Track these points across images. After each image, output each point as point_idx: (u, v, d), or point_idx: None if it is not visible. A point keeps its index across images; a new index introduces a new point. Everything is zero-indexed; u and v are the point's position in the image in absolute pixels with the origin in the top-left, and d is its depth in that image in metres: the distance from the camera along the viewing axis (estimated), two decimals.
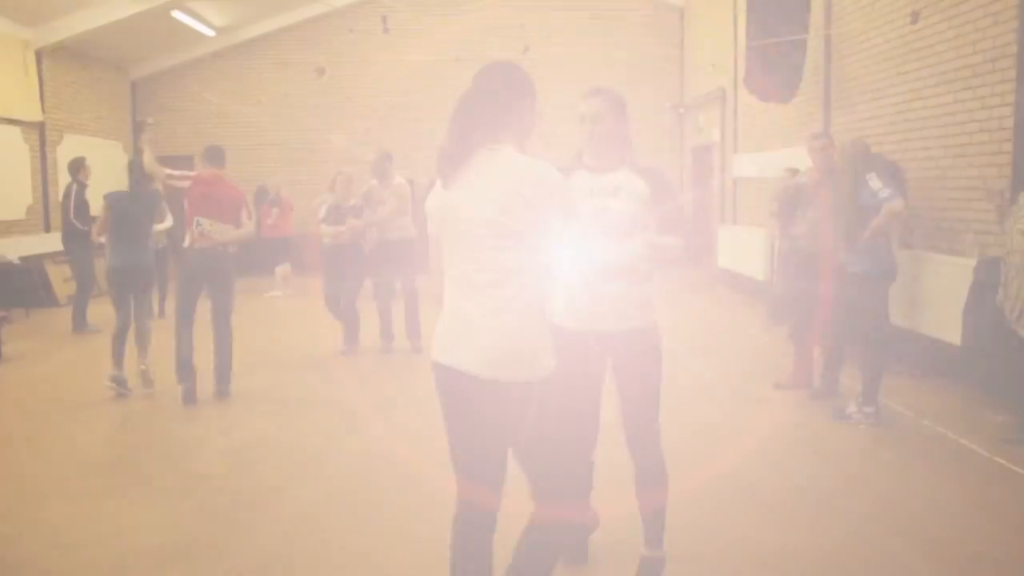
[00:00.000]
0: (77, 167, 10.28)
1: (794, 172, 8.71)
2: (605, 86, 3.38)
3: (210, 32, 15.82)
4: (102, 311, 11.19)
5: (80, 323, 10.05)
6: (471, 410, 2.61)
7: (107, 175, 14.64)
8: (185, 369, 6.57)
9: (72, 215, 10.09)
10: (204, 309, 6.71)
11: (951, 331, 6.74)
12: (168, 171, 6.72)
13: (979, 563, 3.76)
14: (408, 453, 5.39)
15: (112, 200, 6.87)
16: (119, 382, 6.74)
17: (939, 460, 5.17)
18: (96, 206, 10.68)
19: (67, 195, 10.32)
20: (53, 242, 11.68)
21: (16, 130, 12.52)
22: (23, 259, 11.70)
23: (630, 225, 3.25)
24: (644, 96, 16.94)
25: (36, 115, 12.82)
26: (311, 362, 8.27)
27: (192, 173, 6.80)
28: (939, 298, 7.16)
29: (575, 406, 3.28)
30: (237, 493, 4.77)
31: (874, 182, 5.82)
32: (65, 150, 12.90)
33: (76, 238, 10.09)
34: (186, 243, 6.60)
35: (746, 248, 12.63)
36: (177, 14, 13.97)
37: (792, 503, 4.51)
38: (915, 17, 7.71)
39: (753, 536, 4.07)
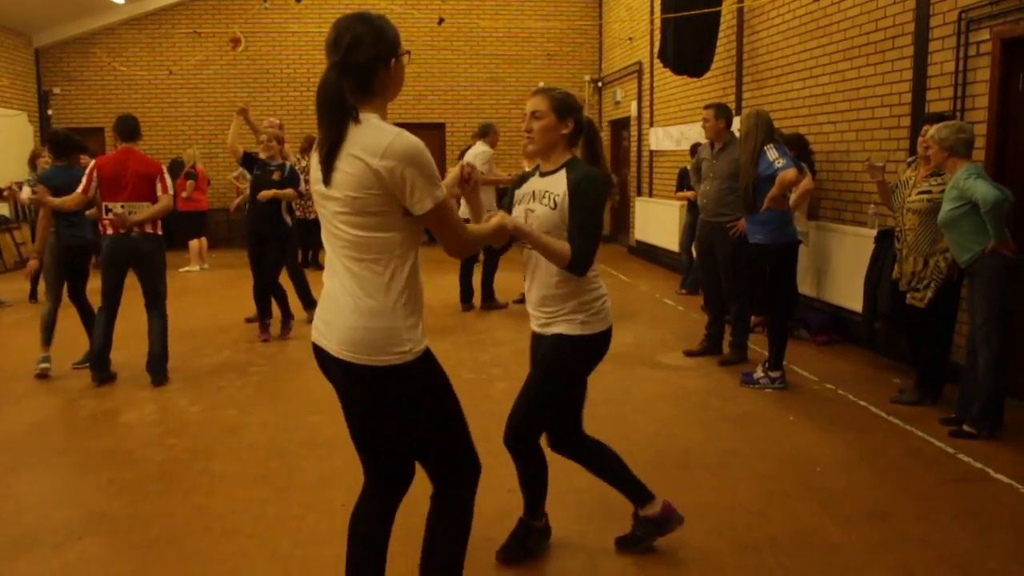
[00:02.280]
0: None
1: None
2: (554, 87, 3.31)
3: None
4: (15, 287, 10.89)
5: None
6: None
7: (11, 145, 14.18)
8: (96, 358, 6.37)
9: None
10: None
11: (854, 299, 7.00)
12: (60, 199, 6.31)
13: (871, 516, 3.96)
14: (321, 423, 5.40)
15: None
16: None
17: (839, 421, 5.40)
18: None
19: None
20: None
21: None
22: None
23: (550, 229, 3.16)
24: (563, 70, 17.08)
25: None
26: (225, 336, 8.17)
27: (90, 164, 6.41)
28: (843, 268, 7.44)
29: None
30: (147, 466, 4.73)
31: (771, 153, 6.00)
32: None
33: None
34: (101, 230, 6.29)
35: (661, 220, 12.86)
36: None
37: (699, 465, 4.67)
38: None
39: (660, 496, 4.19)
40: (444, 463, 2.67)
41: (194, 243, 13.13)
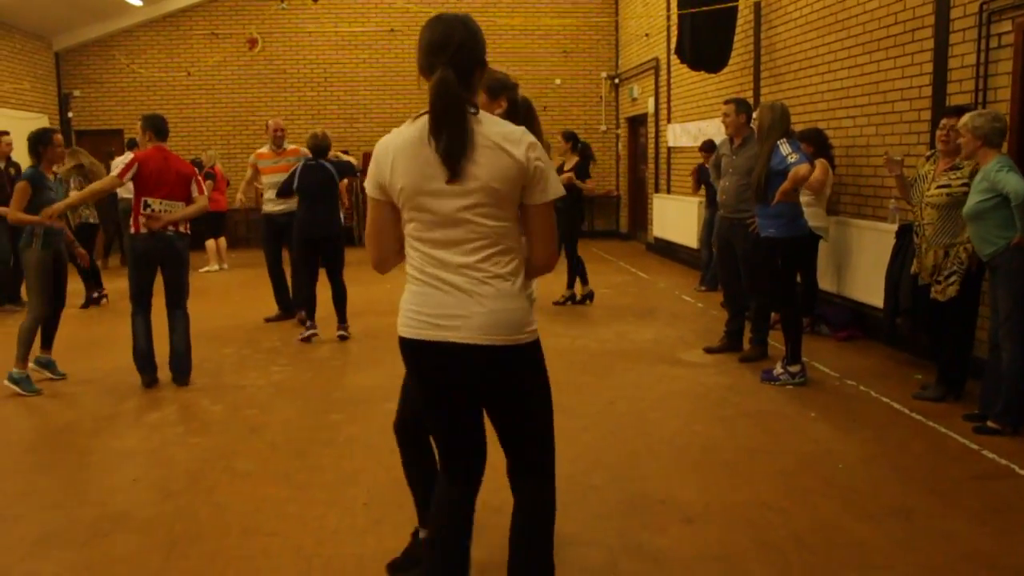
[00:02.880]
0: None
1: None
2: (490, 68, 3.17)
3: (137, 2, 15.43)
4: None
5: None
6: None
7: None
8: (145, 359, 6.35)
9: None
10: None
11: (875, 295, 6.95)
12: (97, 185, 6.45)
13: (894, 512, 3.93)
14: (342, 421, 5.42)
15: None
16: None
17: (861, 418, 5.36)
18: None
19: None
20: None
21: None
22: None
23: None
24: (579, 66, 17.07)
25: None
26: (245, 335, 8.21)
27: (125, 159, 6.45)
28: (864, 263, 7.39)
29: None
30: (170, 465, 4.76)
31: (784, 147, 5.99)
32: None
33: None
34: (133, 228, 6.23)
35: (680, 217, 12.82)
36: None
37: (719, 462, 4.65)
38: None
39: (680, 493, 4.20)
40: (548, 447, 2.75)
41: (211, 243, 13.20)
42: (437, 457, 2.79)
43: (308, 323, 7.98)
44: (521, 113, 3.27)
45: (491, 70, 3.15)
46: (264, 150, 9.05)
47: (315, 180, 7.89)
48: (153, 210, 6.19)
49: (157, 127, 6.41)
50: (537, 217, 2.56)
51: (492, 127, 2.48)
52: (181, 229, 6.37)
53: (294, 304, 8.67)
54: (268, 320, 8.82)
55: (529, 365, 2.63)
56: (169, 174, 6.26)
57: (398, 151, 2.50)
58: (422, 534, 3.34)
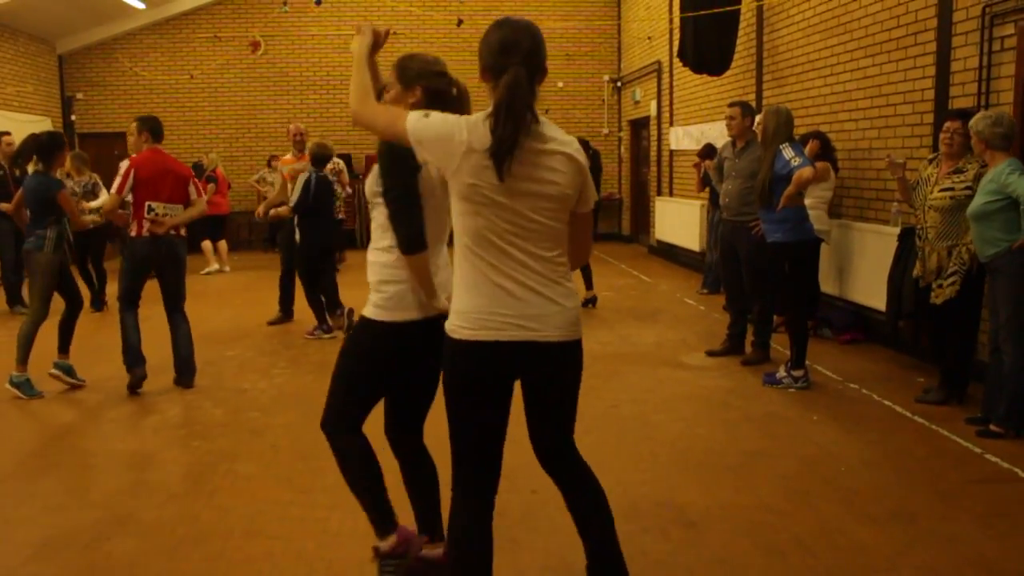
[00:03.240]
0: None
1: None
2: (418, 54, 3.09)
3: (140, 5, 15.45)
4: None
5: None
6: None
7: None
8: (136, 355, 6.24)
9: None
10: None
11: (877, 298, 6.94)
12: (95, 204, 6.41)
13: (897, 516, 3.93)
14: None
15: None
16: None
17: (863, 421, 5.36)
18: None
19: None
20: None
21: None
22: None
23: None
24: (582, 70, 17.07)
25: None
26: (247, 338, 8.22)
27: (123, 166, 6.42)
28: (866, 266, 7.38)
29: None
30: (172, 468, 4.77)
31: (787, 151, 6.00)
32: None
33: None
34: (133, 231, 6.19)
35: (682, 220, 12.82)
36: None
37: (721, 464, 4.65)
38: None
39: (683, 496, 4.20)
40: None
41: (206, 243, 13.18)
42: (456, 473, 2.72)
43: (339, 311, 8.19)
44: (459, 99, 3.06)
45: (414, 55, 3.07)
46: (288, 156, 9.06)
47: (328, 191, 8.15)
48: (157, 214, 6.16)
49: (154, 128, 6.39)
50: (583, 222, 2.71)
51: (560, 135, 2.56)
52: (181, 232, 6.37)
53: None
54: (271, 323, 8.82)
55: (581, 356, 2.74)
56: (167, 176, 6.23)
57: (481, 147, 2.44)
58: (425, 549, 3.30)
